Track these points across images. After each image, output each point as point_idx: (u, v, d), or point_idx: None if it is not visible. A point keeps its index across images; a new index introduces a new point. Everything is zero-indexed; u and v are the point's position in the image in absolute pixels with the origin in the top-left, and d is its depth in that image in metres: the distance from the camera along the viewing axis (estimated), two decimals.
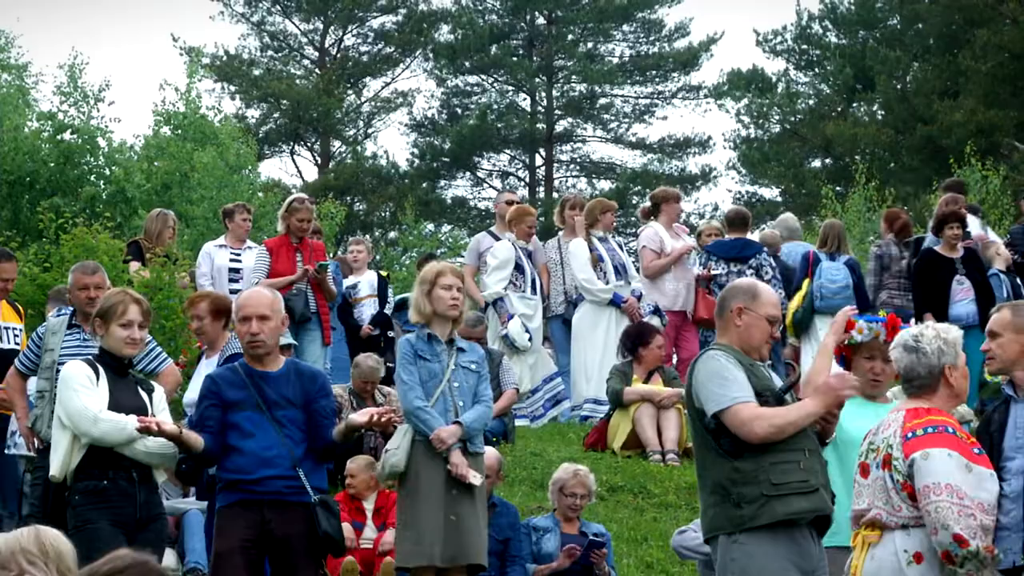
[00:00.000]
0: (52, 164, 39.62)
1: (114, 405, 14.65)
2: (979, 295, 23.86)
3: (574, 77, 66.10)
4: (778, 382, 13.18)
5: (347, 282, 27.18)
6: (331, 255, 25.90)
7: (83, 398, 14.54)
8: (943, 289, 25.45)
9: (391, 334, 24.80)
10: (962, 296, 24.73)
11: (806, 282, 25.92)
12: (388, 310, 25.79)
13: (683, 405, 22.84)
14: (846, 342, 13.53)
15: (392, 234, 52.78)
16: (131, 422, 14.37)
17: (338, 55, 66.29)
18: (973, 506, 11.11)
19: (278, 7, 65.81)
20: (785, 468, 12.16)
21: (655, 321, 25.89)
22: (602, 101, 66.70)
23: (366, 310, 26.37)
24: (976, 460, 11.17)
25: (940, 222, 26.75)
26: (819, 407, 12.20)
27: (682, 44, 65.68)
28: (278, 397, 14.52)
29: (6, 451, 19.50)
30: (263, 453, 14.44)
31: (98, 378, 14.67)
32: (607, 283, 26.23)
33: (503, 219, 27.79)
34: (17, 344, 19.98)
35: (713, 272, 26.35)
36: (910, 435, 11.29)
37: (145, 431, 14.33)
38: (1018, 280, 26.97)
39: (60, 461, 14.65)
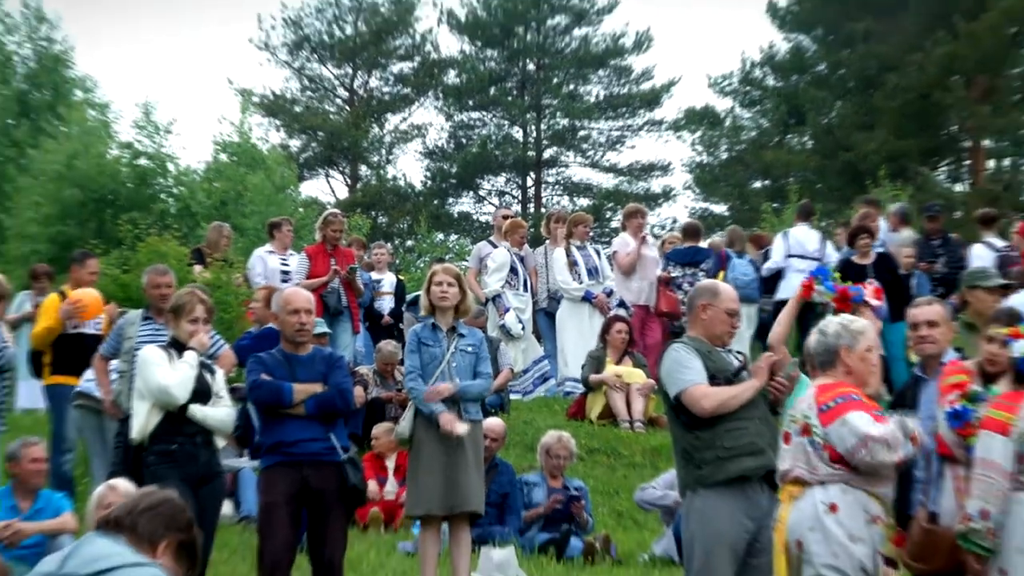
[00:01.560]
0: (130, 185, 39.52)
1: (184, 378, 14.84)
2: (889, 294, 23.91)
3: (558, 113, 66.14)
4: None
5: (374, 275, 27.65)
6: (360, 260, 26.15)
7: (157, 374, 14.72)
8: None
9: (401, 326, 25.04)
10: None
11: (720, 274, 26.01)
12: (403, 306, 26.09)
13: (631, 389, 24.35)
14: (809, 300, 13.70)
15: (409, 242, 52.71)
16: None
17: (364, 95, 66.20)
18: (894, 443, 11.30)
19: (315, 55, 65.78)
20: (736, 434, 12.62)
21: (622, 312, 26.11)
22: (581, 133, 66.77)
23: (386, 304, 26.63)
24: (878, 420, 11.38)
25: (852, 235, 27.00)
26: (757, 384, 12.68)
27: (647, 86, 65.67)
28: (307, 375, 14.84)
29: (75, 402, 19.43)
30: (301, 417, 14.76)
31: (172, 359, 14.83)
32: (581, 283, 26.49)
33: (500, 230, 27.89)
34: (98, 330, 19.93)
35: (672, 274, 26.58)
36: (824, 407, 11.50)
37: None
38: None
39: (139, 427, 14.80)
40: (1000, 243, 27.19)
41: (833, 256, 28.78)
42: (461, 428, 15.19)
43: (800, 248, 28.94)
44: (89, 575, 6.69)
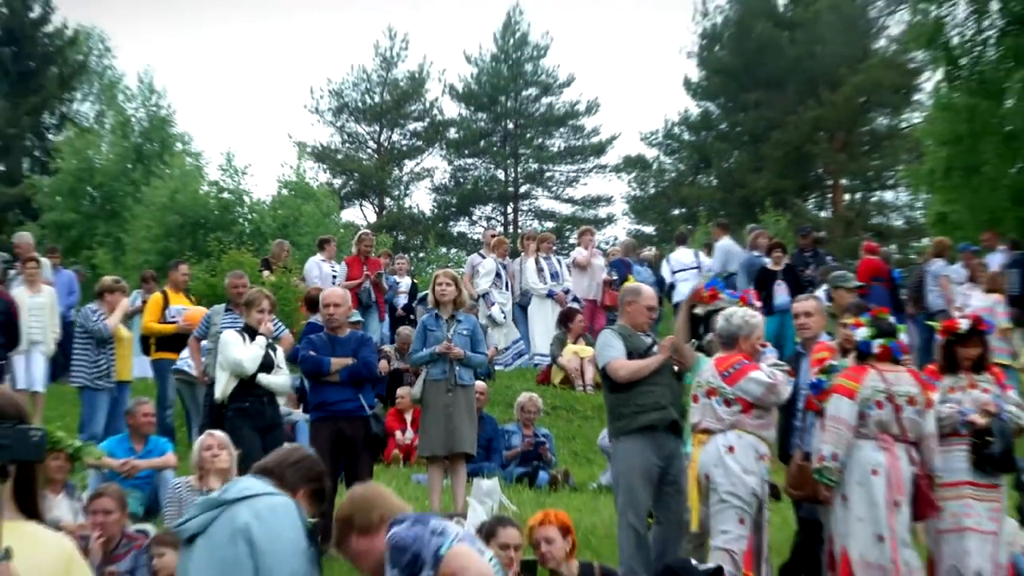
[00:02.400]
0: (216, 212, 39.40)
1: (259, 358, 15.06)
2: (792, 292, 24.12)
3: (530, 159, 66.03)
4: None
5: (395, 278, 27.73)
6: (386, 269, 26.42)
7: (234, 351, 14.72)
8: (770, 288, 25.67)
9: (413, 316, 25.18)
10: (781, 292, 24.93)
11: (630, 278, 26.21)
12: (415, 302, 26.28)
13: (584, 361, 24.82)
14: (709, 308, 13.62)
15: (421, 254, 52.55)
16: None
17: (387, 146, 66.08)
18: (784, 383, 12.51)
19: (352, 117, 65.68)
20: (646, 395, 13.19)
21: (575, 305, 26.32)
22: (547, 174, 66.58)
23: (401, 299, 26.64)
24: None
25: (770, 249, 27.44)
26: (660, 359, 13.18)
27: (595, 139, 65.42)
28: (343, 351, 15.13)
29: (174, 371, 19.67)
30: (341, 384, 15.10)
31: (245, 341, 14.85)
32: (546, 284, 26.66)
33: (488, 245, 27.96)
34: (172, 321, 20.11)
35: (613, 278, 26.74)
36: (726, 373, 12.27)
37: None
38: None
39: (220, 390, 14.93)
40: None
41: (707, 263, 29.74)
42: (458, 352, 15.69)
43: (680, 265, 29.87)
44: (239, 498, 7.02)
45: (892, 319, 13.08)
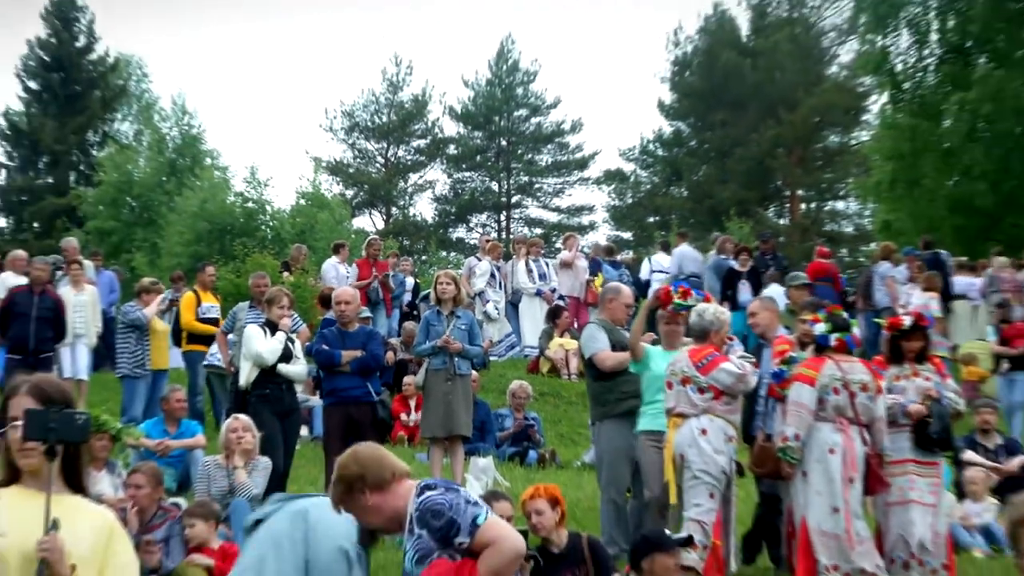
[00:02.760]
0: (241, 219, 39.48)
1: (278, 350, 15.03)
2: (755, 291, 24.20)
3: (522, 173, 66.03)
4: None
5: (402, 275, 27.57)
6: (392, 270, 26.46)
7: (256, 343, 14.71)
8: (735, 286, 25.80)
9: (416, 312, 25.24)
10: (744, 291, 24.98)
11: (600, 275, 26.38)
12: (418, 299, 26.33)
13: (568, 353, 24.68)
14: (673, 305, 13.55)
15: (423, 257, 52.64)
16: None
17: (394, 161, 66.02)
18: (752, 374, 12.66)
19: (362, 135, 65.62)
20: (627, 384, 13.45)
21: (560, 302, 26.33)
22: (536, 186, 66.53)
23: (407, 297, 26.64)
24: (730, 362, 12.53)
25: (737, 253, 27.53)
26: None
27: (579, 155, 65.33)
28: (352, 344, 15.25)
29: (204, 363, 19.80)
30: (351, 374, 15.17)
31: (266, 334, 14.84)
32: (534, 284, 26.56)
33: (484, 249, 27.93)
34: (216, 315, 20.15)
35: (593, 277, 26.87)
36: (700, 364, 12.26)
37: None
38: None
39: (244, 378, 14.93)
40: None
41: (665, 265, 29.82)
42: (456, 344, 15.63)
43: (658, 266, 30.00)
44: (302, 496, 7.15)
45: (846, 315, 13.27)
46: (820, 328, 12.56)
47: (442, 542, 6.56)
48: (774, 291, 24.48)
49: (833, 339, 12.48)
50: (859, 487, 12.06)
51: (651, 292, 14.08)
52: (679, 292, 13.95)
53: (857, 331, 13.06)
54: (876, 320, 13.39)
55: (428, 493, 6.68)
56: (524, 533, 10.32)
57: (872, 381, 12.38)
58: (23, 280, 19.51)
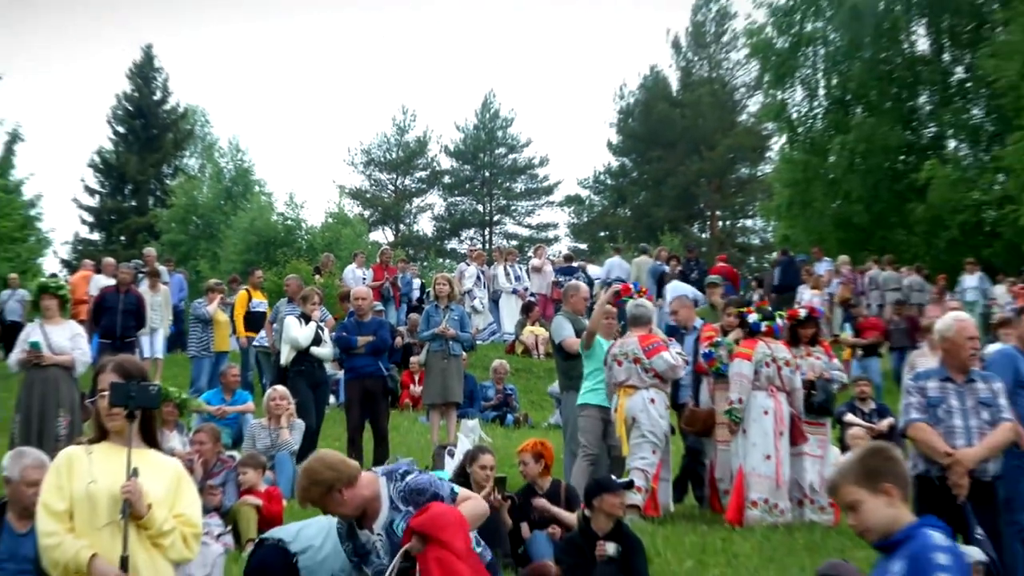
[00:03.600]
0: (282, 234, 39.32)
1: (312, 336, 15.00)
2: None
3: (501, 197, 65.75)
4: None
5: (410, 275, 27.73)
6: (400, 273, 26.43)
7: (294, 331, 14.68)
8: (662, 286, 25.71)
9: (422, 306, 25.27)
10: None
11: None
12: (422, 296, 26.34)
13: (538, 338, 24.35)
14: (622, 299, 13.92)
15: (425, 263, 52.34)
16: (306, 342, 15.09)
17: (401, 188, 65.78)
18: (681, 365, 12.92)
19: (376, 168, 65.28)
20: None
21: (532, 299, 26.45)
22: (513, 208, 66.25)
23: (415, 294, 26.74)
24: (667, 350, 12.72)
25: (668, 260, 28.03)
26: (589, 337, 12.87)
27: (545, 184, 64.93)
28: (366, 331, 15.13)
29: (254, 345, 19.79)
30: (366, 355, 15.00)
31: (302, 324, 14.77)
32: (511, 284, 26.58)
33: (471, 257, 27.85)
34: (263, 308, 20.18)
35: (558, 279, 26.65)
36: (647, 348, 12.41)
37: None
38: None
39: (284, 358, 14.99)
40: None
41: (597, 272, 29.72)
42: (452, 331, 15.74)
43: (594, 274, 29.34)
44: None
45: (771, 309, 13.66)
46: (753, 317, 13.01)
47: (409, 501, 6.52)
48: (677, 287, 24.78)
49: (763, 326, 12.93)
50: (787, 440, 12.41)
51: (609, 290, 14.02)
52: (639, 293, 14.10)
53: (780, 321, 13.19)
54: (777, 312, 13.48)
55: (407, 478, 6.60)
56: (502, 480, 10.34)
57: (792, 358, 12.82)
58: (112, 281, 19.51)
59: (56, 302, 12.35)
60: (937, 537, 4.47)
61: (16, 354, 12.22)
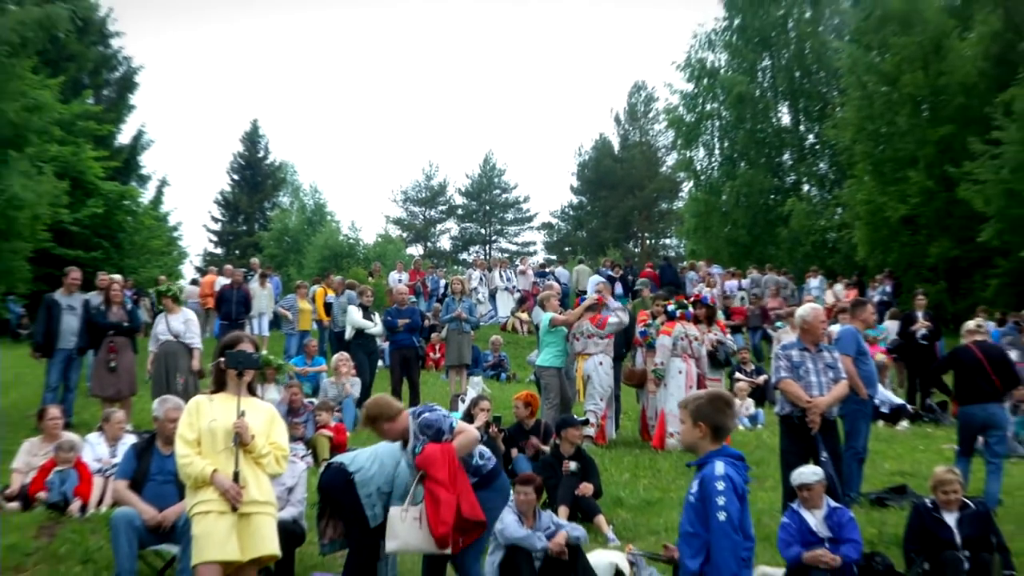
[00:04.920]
0: (346, 249, 39.29)
1: (366, 319, 14.83)
2: (624, 290, 24.12)
3: (497, 224, 65.37)
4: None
5: (436, 276, 27.36)
6: (429, 275, 26.33)
7: (354, 316, 14.62)
8: (613, 286, 24.89)
9: (444, 299, 25.18)
10: (617, 288, 24.39)
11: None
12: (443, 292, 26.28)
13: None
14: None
15: (444, 269, 52.21)
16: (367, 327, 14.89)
17: (428, 217, 65.54)
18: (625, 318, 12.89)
19: (412, 203, 64.70)
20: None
21: (521, 294, 26.20)
22: (505, 231, 65.71)
23: (441, 290, 26.15)
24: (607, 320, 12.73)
25: (613, 267, 27.24)
26: (573, 319, 12.50)
27: (528, 214, 64.83)
28: (403, 317, 14.83)
29: (335, 329, 18.68)
30: (404, 332, 14.80)
31: (360, 312, 14.72)
32: (504, 284, 26.55)
33: (476, 264, 27.93)
34: (333, 301, 19.53)
35: (536, 281, 26.48)
36: (597, 324, 12.39)
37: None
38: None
39: (348, 333, 14.90)
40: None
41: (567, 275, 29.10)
42: (463, 315, 15.81)
43: (563, 276, 28.90)
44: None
45: (685, 301, 13.72)
46: (671, 307, 13.20)
47: (435, 438, 6.46)
48: (595, 278, 24.52)
49: (679, 312, 13.07)
50: (695, 389, 12.09)
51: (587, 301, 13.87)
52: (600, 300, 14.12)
53: (691, 309, 13.29)
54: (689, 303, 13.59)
55: (424, 415, 6.58)
56: (497, 418, 10.29)
57: (700, 335, 12.94)
58: (229, 281, 19.47)
59: (170, 300, 12.30)
60: (719, 467, 4.43)
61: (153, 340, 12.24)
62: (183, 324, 12.06)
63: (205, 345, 12.89)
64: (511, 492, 7.21)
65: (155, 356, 11.91)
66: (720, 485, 4.38)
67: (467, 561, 6.44)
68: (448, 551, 6.31)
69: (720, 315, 17.19)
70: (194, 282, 25.73)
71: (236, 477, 5.38)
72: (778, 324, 18.57)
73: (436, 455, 6.39)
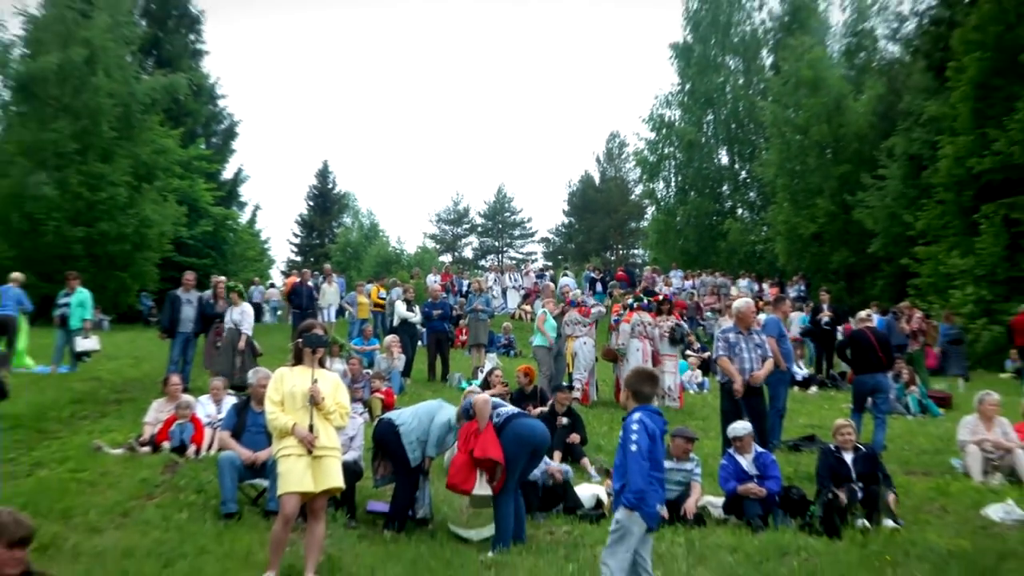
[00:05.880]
0: (394, 257, 39.34)
1: (409, 311, 14.65)
2: (603, 288, 23.83)
3: (506, 238, 65.10)
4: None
5: (462, 279, 26.80)
6: (456, 277, 26.12)
7: (400, 307, 14.49)
8: (595, 285, 25.00)
9: (468, 294, 24.95)
10: (598, 287, 24.34)
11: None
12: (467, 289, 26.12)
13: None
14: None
15: (468, 273, 52.36)
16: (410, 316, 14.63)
17: (455, 233, 65.16)
18: (600, 316, 12.80)
19: (442, 222, 64.41)
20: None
21: (524, 291, 25.70)
22: (513, 244, 65.59)
23: (464, 288, 25.96)
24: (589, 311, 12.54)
25: (594, 270, 26.75)
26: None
27: (530, 231, 64.85)
28: (438, 308, 14.67)
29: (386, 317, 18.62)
30: (437, 320, 14.62)
31: (404, 306, 14.61)
32: (511, 284, 26.07)
33: (492, 269, 28.10)
34: (381, 298, 19.42)
35: (536, 280, 26.14)
36: (583, 315, 12.11)
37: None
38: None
39: (396, 321, 14.65)
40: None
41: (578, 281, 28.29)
42: (481, 308, 15.41)
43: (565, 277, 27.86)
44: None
45: (643, 295, 14.05)
46: (630, 300, 13.31)
47: (465, 416, 6.47)
48: (569, 280, 24.13)
49: (636, 304, 13.02)
50: (650, 362, 12.01)
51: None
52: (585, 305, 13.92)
53: (646, 302, 13.20)
54: (647, 297, 13.45)
55: (466, 408, 6.53)
56: (506, 383, 10.24)
57: (653, 320, 12.62)
58: (298, 279, 19.40)
59: (236, 295, 12.24)
60: (636, 415, 4.56)
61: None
62: (240, 315, 11.97)
63: (281, 329, 12.87)
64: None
65: (225, 339, 11.95)
66: (635, 426, 4.47)
67: (500, 499, 6.25)
68: (463, 493, 6.34)
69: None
70: (271, 285, 25.74)
71: (311, 428, 5.34)
72: (708, 315, 18.55)
73: (465, 433, 6.44)
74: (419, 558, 5.80)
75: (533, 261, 62.91)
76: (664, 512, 5.44)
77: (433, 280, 24.60)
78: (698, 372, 15.06)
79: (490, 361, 15.28)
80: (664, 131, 36.71)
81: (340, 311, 21.65)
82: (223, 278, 15.18)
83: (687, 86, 36.59)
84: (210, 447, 8.49)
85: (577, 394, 11.88)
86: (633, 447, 4.45)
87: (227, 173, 35.66)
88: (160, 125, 27.17)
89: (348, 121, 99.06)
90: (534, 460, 6.54)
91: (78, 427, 9.55)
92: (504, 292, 26.49)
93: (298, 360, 5.65)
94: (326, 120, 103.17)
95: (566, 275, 27.40)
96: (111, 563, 5.38)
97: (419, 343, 16.81)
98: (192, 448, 8.43)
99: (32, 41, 23.19)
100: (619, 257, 60.21)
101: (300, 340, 5.62)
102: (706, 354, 16.24)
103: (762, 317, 10.30)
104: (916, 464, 8.83)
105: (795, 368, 13.71)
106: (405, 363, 13.58)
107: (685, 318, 21.99)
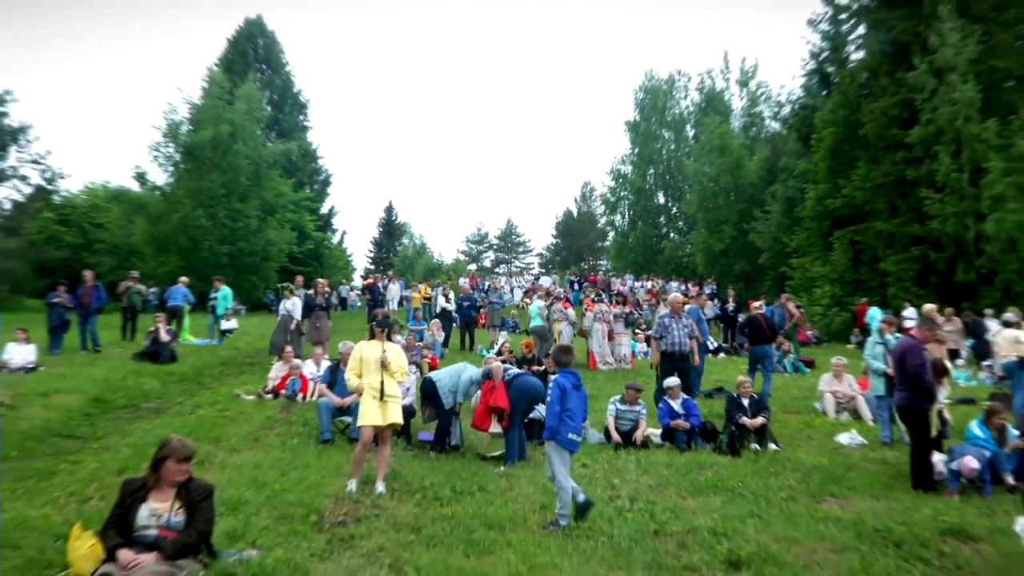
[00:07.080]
0: (438, 267, 39.08)
1: (447, 303, 14.42)
2: (581, 288, 23.21)
3: (513, 254, 64.15)
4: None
5: (486, 282, 25.73)
6: (479, 279, 25.60)
7: (441, 300, 14.21)
8: (574, 287, 24.40)
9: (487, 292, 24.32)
10: (576, 288, 23.72)
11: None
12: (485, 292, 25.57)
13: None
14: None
15: (486, 277, 51.96)
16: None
17: (476, 250, 64.51)
18: (573, 318, 11.88)
19: (470, 243, 63.49)
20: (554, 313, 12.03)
21: (524, 289, 24.93)
22: (516, 257, 64.82)
23: (486, 286, 25.43)
24: (570, 307, 11.66)
25: (574, 276, 25.98)
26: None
27: (530, 249, 64.16)
28: (466, 301, 14.22)
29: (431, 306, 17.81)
30: (467, 309, 14.27)
31: (445, 299, 14.41)
32: (517, 284, 25.54)
33: (503, 275, 27.55)
34: (431, 293, 18.50)
35: (531, 282, 25.84)
36: (564, 308, 11.51)
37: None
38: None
39: (439, 308, 14.38)
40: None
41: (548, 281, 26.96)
42: (496, 300, 15.04)
43: (548, 281, 26.70)
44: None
45: (602, 292, 13.25)
46: (591, 295, 13.08)
47: (484, 377, 6.47)
48: (547, 279, 23.46)
49: (595, 298, 12.87)
50: (606, 339, 11.80)
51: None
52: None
53: (605, 296, 12.85)
54: (604, 292, 13.16)
55: (483, 367, 6.54)
56: (512, 352, 10.15)
57: (609, 309, 12.24)
58: (370, 281, 19.13)
59: (287, 292, 11.77)
60: (558, 377, 4.61)
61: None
62: (292, 305, 11.53)
63: (360, 315, 12.63)
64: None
65: (280, 321, 11.50)
66: (551, 385, 4.63)
67: (508, 433, 6.32)
68: (482, 430, 6.33)
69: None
70: (352, 286, 25.61)
71: (381, 387, 5.29)
72: (645, 307, 18.33)
73: (485, 389, 6.46)
74: (454, 471, 5.92)
75: (531, 269, 62.98)
76: (604, 438, 5.41)
77: (464, 281, 24.39)
78: (644, 344, 14.97)
79: (502, 337, 15.28)
80: (620, 180, 36.67)
81: (401, 302, 21.65)
82: (322, 280, 15.21)
83: (636, 150, 36.67)
84: (312, 395, 8.52)
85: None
86: (549, 396, 4.56)
87: (324, 209, 35.75)
88: (279, 177, 27.82)
89: (406, 171, 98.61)
90: (533, 405, 6.60)
91: (224, 381, 9.72)
92: (512, 290, 26.27)
93: (372, 336, 5.64)
94: (391, 170, 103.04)
95: (546, 277, 27.24)
96: (246, 472, 5.52)
97: (454, 324, 16.85)
98: (300, 395, 8.49)
99: (195, 120, 24.29)
100: (590, 266, 59.93)
101: (374, 323, 5.63)
102: (650, 333, 16.16)
103: (688, 307, 10.29)
104: (791, 407, 8.86)
105: (709, 341, 13.65)
106: (444, 338, 13.52)
107: (634, 308, 21.98)
